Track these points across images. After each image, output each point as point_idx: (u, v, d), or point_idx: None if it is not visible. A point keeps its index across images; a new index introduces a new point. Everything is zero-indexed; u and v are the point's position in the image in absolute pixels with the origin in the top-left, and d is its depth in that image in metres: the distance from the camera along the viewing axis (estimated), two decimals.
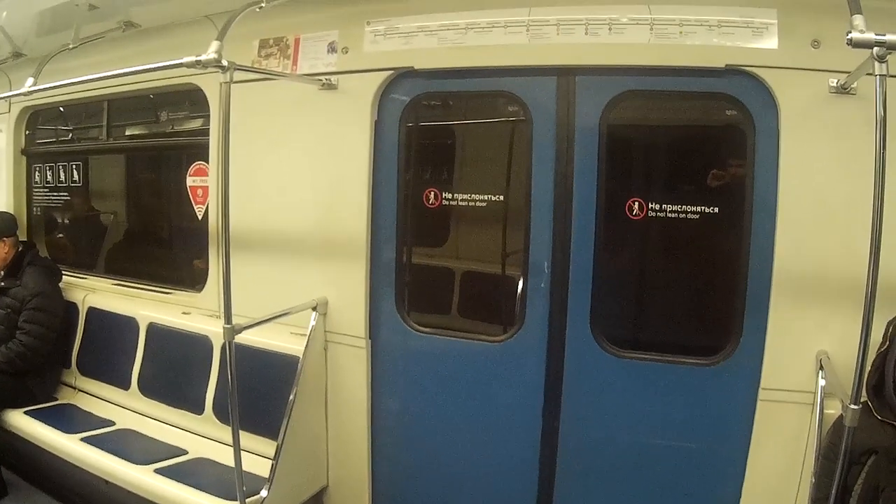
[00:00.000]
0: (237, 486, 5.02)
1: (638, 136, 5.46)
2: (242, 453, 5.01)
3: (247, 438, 5.31)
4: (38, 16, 7.00)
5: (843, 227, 4.42)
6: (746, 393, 4.82)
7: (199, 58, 4.59)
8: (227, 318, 4.74)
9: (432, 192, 5.68)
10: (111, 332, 7.37)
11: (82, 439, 6.29)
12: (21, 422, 6.75)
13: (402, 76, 5.62)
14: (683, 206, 4.93)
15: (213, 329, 6.44)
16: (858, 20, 3.35)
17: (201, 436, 6.40)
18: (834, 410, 4.29)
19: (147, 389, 6.90)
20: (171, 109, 7.76)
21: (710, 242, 5.11)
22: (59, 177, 8.89)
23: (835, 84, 4.40)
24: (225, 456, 5.83)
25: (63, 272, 7.94)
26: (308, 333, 5.80)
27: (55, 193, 9.01)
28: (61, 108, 8.90)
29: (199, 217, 7.08)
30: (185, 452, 6.18)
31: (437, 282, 6.16)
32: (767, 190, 4.68)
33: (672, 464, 5.13)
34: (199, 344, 6.53)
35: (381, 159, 5.72)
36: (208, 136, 6.71)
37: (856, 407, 3.59)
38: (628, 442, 5.22)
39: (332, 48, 5.81)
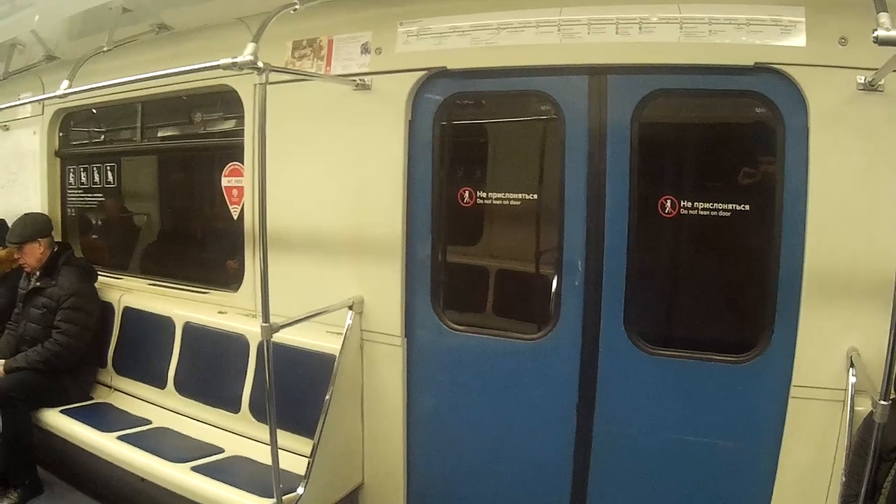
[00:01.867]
0: (274, 484, 5.05)
1: (669, 135, 5.49)
2: (279, 451, 5.04)
3: (283, 436, 5.31)
4: (71, 19, 7.08)
5: (873, 224, 4.44)
6: (778, 390, 4.83)
7: (235, 59, 4.62)
8: (265, 317, 4.78)
9: (466, 192, 5.71)
10: (147, 331, 7.44)
11: (118, 437, 6.34)
12: (57, 420, 6.80)
13: (435, 76, 5.65)
14: (715, 204, 4.94)
15: (249, 328, 6.51)
16: (884, 18, 3.36)
17: (237, 434, 6.45)
18: (864, 407, 4.27)
19: (183, 388, 6.97)
20: (205, 110, 7.81)
21: (742, 240, 5.12)
22: (93, 178, 8.97)
23: (863, 81, 4.41)
24: (261, 454, 5.90)
25: (98, 272, 8.01)
26: (344, 332, 5.84)
27: (89, 195, 9.10)
28: (94, 110, 8.97)
29: (235, 217, 7.15)
30: (221, 450, 6.23)
31: (471, 280, 6.20)
32: (797, 187, 4.69)
33: (704, 461, 5.15)
34: (236, 343, 6.59)
35: (416, 159, 5.76)
36: (242, 136, 6.76)
37: (885, 403, 3.62)
38: (661, 439, 5.24)
39: (365, 49, 5.85)
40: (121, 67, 6.96)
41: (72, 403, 7.17)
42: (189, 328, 7.05)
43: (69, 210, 9.34)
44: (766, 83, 4.77)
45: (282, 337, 5.16)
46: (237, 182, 7.03)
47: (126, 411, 7.17)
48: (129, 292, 7.97)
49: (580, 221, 5.26)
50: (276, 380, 4.94)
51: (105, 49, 7.01)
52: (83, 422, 6.70)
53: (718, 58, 4.79)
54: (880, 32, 3.30)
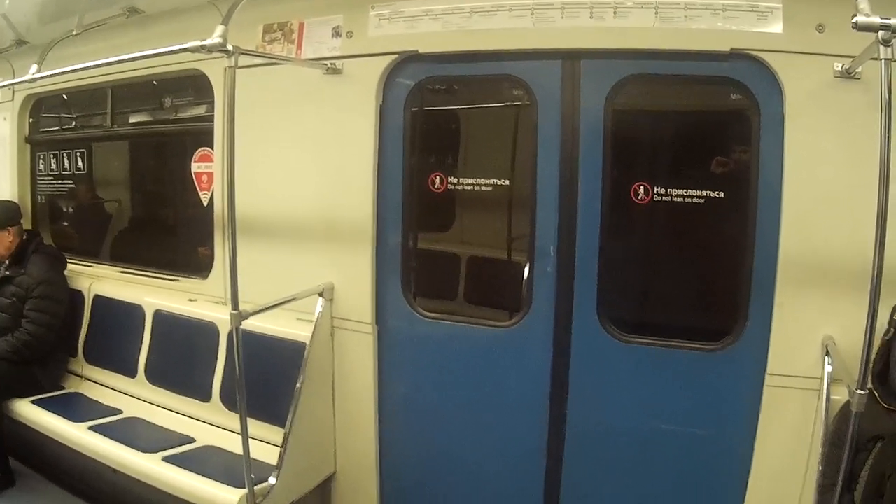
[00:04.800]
0: (245, 474, 5.03)
1: (643, 121, 5.48)
2: (250, 441, 5.02)
3: (254, 426, 5.31)
4: (42, 3, 7.02)
5: (849, 212, 4.42)
6: (753, 378, 4.82)
7: (203, 42, 4.58)
8: (234, 305, 4.74)
9: (437, 177, 5.67)
10: (117, 319, 7.38)
11: (90, 428, 6.30)
12: (28, 411, 6.75)
13: (407, 60, 5.61)
14: (689, 191, 4.92)
15: (219, 316, 6.44)
16: (864, 3, 3.34)
17: (209, 423, 6.41)
18: (840, 396, 4.27)
19: (154, 377, 6.91)
20: (176, 96, 7.77)
21: (716, 227, 5.11)
22: (64, 164, 8.90)
23: (840, 68, 4.39)
24: (232, 443, 5.80)
25: (68, 260, 7.95)
26: (315, 319, 5.80)
27: (59, 181, 9.03)
28: (65, 96, 8.89)
29: (205, 203, 7.10)
30: (192, 440, 6.19)
31: (443, 267, 6.19)
32: (772, 174, 4.67)
33: (678, 450, 5.15)
34: (206, 331, 6.53)
35: (387, 144, 5.72)
36: (213, 122, 6.70)
37: (862, 392, 3.61)
38: (635, 427, 5.23)
39: (336, 32, 5.80)
40: (91, 52, 6.92)
41: (43, 393, 7.11)
42: (159, 316, 6.99)
43: (39, 197, 9.29)
44: (742, 70, 4.75)
45: (251, 324, 5.15)
46: (207, 168, 6.99)
47: (97, 401, 7.12)
48: (99, 280, 7.90)
49: (552, 207, 5.24)
50: (246, 368, 4.91)
51: (75, 33, 7.02)
52: (54, 412, 6.64)
53: (694, 43, 4.77)
54: (860, 18, 3.29)
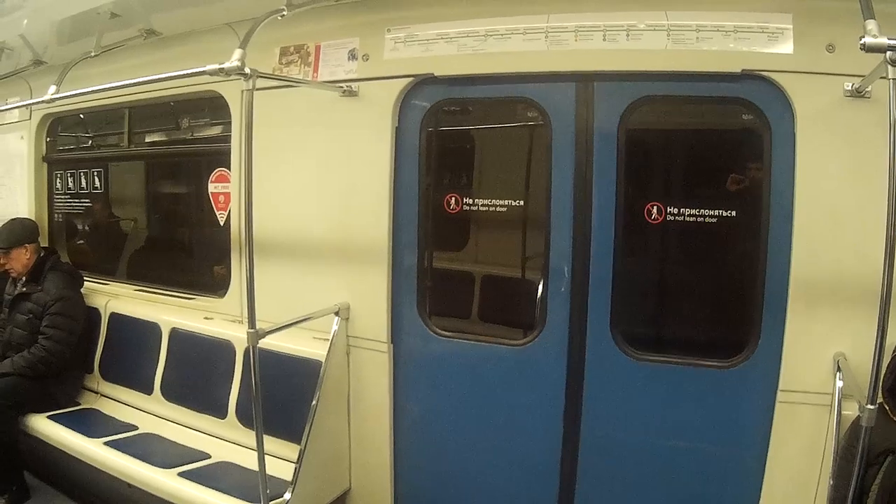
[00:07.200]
0: (260, 490, 5.04)
1: (656, 141, 5.52)
2: (265, 457, 5.03)
3: (269, 442, 5.30)
4: (59, 24, 7.03)
5: (859, 230, 4.44)
6: (765, 395, 4.83)
7: (222, 65, 4.61)
8: (251, 323, 4.77)
9: (453, 198, 5.70)
10: (133, 337, 7.40)
11: (105, 443, 6.32)
12: (44, 426, 6.78)
13: (423, 83, 5.64)
14: (701, 211, 4.95)
15: (235, 334, 6.48)
16: (871, 25, 3.38)
17: (224, 440, 6.43)
18: (851, 412, 4.27)
19: (170, 394, 6.93)
20: (193, 116, 7.79)
21: (728, 246, 5.15)
22: (81, 183, 8.93)
23: (850, 88, 4.42)
24: (248, 460, 5.89)
25: (85, 278, 7.98)
26: (330, 338, 5.82)
27: (76, 200, 9.05)
28: (82, 116, 8.93)
29: (221, 223, 7.12)
30: (208, 456, 6.21)
31: (458, 286, 6.21)
32: (784, 193, 4.70)
33: (691, 466, 5.15)
34: (222, 349, 6.56)
35: (402, 165, 5.75)
36: (229, 142, 6.74)
37: (872, 407, 3.63)
38: (648, 445, 5.24)
39: (352, 55, 5.85)
40: (108, 73, 7.00)
41: (59, 409, 7.14)
42: (175, 334, 7.02)
43: (56, 215, 9.31)
44: (754, 90, 4.78)
45: (268, 343, 5.15)
46: (224, 188, 7.01)
47: (113, 417, 7.14)
48: (115, 298, 7.93)
49: (567, 228, 5.26)
50: (262, 385, 4.92)
51: (93, 54, 7.06)
52: (70, 427, 6.67)
53: (706, 65, 4.80)
54: (867, 39, 3.32)
